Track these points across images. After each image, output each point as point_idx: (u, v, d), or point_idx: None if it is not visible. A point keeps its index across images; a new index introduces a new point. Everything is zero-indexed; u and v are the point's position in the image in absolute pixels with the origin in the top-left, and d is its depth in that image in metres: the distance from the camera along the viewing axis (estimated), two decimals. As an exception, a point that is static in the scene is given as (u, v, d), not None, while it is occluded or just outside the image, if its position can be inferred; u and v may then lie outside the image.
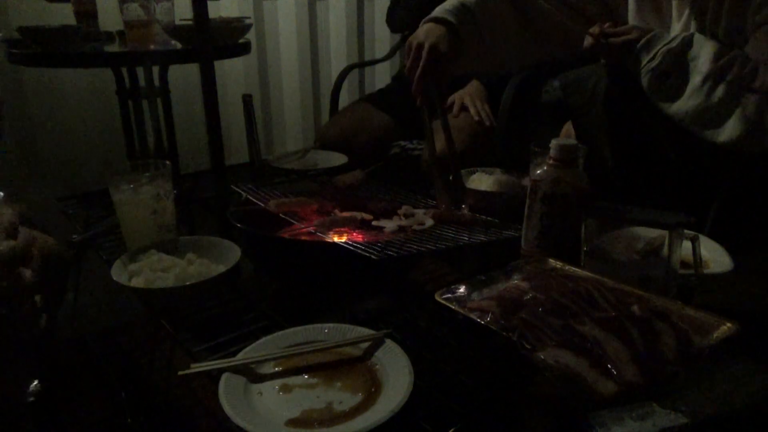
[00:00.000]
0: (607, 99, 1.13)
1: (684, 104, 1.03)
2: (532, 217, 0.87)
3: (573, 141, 0.85)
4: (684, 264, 0.80)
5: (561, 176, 0.83)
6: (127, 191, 0.98)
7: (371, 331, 0.71)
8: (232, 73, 2.56)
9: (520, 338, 0.61)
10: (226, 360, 0.67)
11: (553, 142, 0.84)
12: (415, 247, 0.87)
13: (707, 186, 1.13)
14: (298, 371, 0.67)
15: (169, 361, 0.80)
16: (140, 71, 1.72)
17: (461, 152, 1.36)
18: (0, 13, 1.98)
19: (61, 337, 1.00)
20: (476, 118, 1.70)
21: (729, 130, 1.00)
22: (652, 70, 1.05)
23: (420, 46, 1.12)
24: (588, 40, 1.11)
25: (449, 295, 0.72)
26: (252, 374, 0.66)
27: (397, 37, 2.44)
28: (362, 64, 2.78)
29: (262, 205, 1.03)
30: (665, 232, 0.76)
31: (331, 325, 0.73)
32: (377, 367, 0.67)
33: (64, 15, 1.84)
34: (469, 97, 1.75)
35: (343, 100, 2.24)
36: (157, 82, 1.71)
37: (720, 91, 1.00)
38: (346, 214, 1.05)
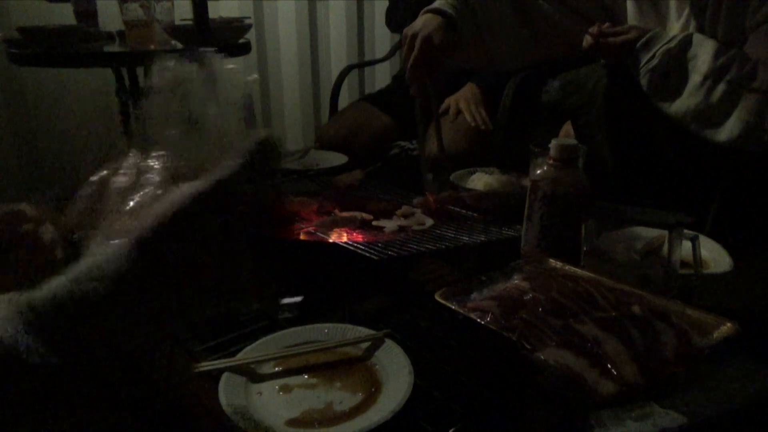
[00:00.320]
0: (607, 99, 1.13)
1: (683, 104, 1.03)
2: (532, 217, 0.87)
3: (573, 141, 0.85)
4: (684, 264, 0.80)
5: (561, 176, 0.83)
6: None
7: (371, 331, 0.71)
8: (232, 73, 2.55)
9: (520, 338, 0.61)
10: (226, 360, 0.67)
11: (553, 142, 0.84)
12: (415, 247, 0.87)
13: (707, 186, 1.13)
14: (298, 371, 0.67)
15: (169, 361, 0.80)
16: (140, 71, 1.72)
17: (457, 155, 1.36)
18: (0, 13, 1.98)
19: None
20: (472, 123, 1.68)
21: (728, 130, 1.00)
22: (652, 70, 1.05)
23: (414, 36, 1.12)
24: (587, 40, 1.11)
25: (449, 295, 0.72)
26: (252, 374, 0.66)
27: (397, 37, 2.44)
28: (362, 64, 2.78)
29: None
30: (665, 232, 0.76)
31: (331, 325, 0.73)
32: (377, 367, 0.67)
33: (64, 15, 1.84)
34: (464, 101, 1.74)
35: (343, 100, 2.23)
36: (157, 82, 1.70)
37: (719, 90, 1.00)
38: (346, 214, 1.05)
